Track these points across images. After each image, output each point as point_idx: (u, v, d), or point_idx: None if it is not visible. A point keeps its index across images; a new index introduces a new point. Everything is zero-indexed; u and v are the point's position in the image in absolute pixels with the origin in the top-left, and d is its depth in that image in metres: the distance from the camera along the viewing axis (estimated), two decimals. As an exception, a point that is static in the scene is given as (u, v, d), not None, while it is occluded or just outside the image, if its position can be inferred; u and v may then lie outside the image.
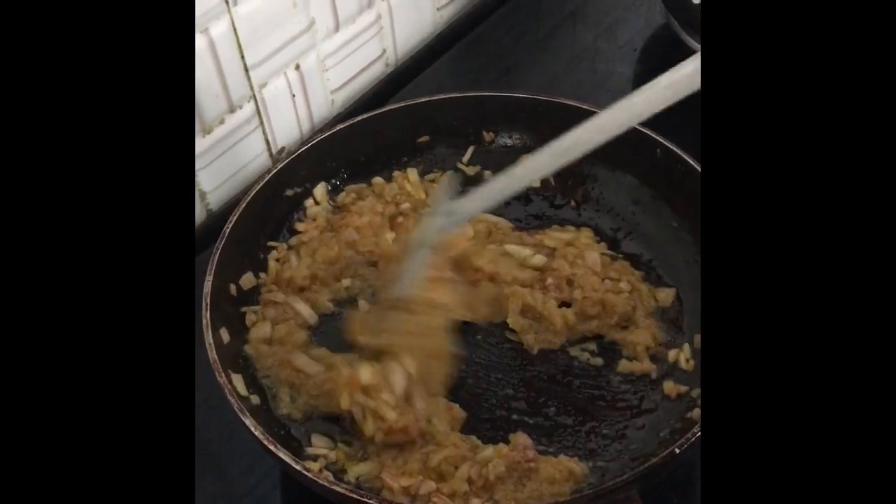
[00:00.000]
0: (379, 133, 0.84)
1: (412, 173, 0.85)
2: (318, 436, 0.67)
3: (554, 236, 0.79)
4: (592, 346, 0.73)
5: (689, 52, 0.96)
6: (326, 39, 0.94)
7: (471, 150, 0.87)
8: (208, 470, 0.71)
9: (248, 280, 0.76)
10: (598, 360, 0.72)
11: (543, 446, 0.66)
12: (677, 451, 0.59)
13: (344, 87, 1.00)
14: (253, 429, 0.61)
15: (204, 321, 0.67)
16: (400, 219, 0.81)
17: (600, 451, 0.66)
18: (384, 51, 1.04)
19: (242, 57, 0.85)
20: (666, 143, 0.77)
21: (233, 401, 0.63)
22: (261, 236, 0.79)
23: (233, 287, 0.74)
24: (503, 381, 0.71)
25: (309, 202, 0.83)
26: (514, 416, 0.69)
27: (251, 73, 0.87)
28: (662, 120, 0.69)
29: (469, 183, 0.85)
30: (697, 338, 0.71)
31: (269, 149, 0.94)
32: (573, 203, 0.84)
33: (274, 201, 0.80)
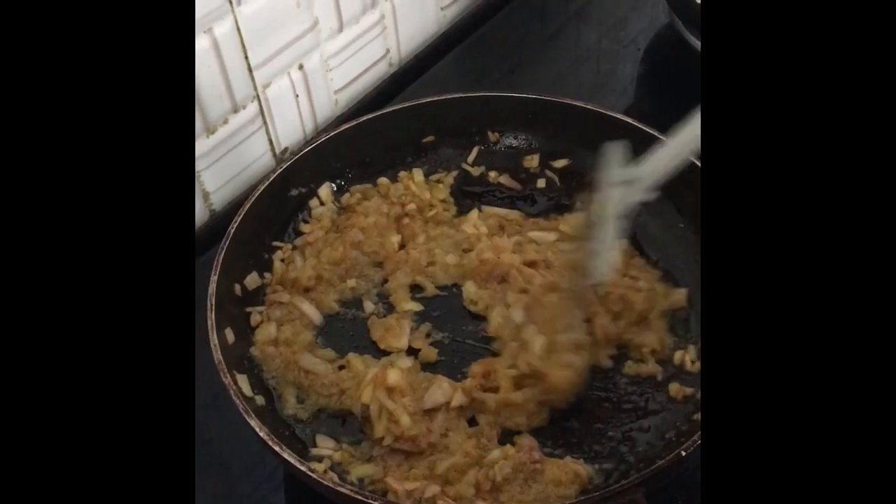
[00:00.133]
0: (384, 133, 0.84)
1: (417, 174, 0.85)
2: (322, 437, 0.67)
3: (570, 222, 0.80)
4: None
5: (693, 52, 0.96)
6: (330, 39, 0.94)
7: (476, 150, 0.87)
8: (212, 470, 0.71)
9: (252, 280, 0.75)
10: (607, 362, 0.71)
11: (549, 448, 0.66)
12: (683, 453, 0.58)
13: (347, 87, 1.00)
14: (258, 429, 0.61)
15: (209, 322, 0.67)
16: (406, 220, 0.81)
17: (606, 453, 0.65)
18: (388, 51, 1.04)
19: (246, 57, 0.85)
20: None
21: (238, 401, 0.63)
22: (265, 236, 0.79)
23: (237, 287, 0.74)
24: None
25: (314, 202, 0.82)
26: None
27: (255, 73, 0.87)
28: (668, 120, 0.69)
29: (474, 183, 0.86)
30: (704, 339, 0.71)
31: (272, 149, 0.94)
32: (579, 203, 0.83)
33: (279, 201, 0.80)
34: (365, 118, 0.83)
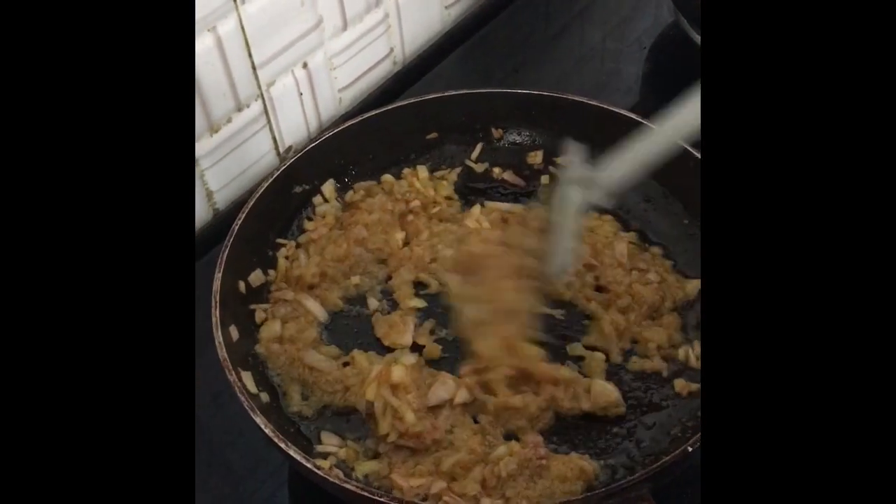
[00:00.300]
0: (387, 130, 0.84)
1: (422, 170, 0.85)
2: (327, 433, 0.67)
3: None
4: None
5: (698, 50, 0.96)
6: (334, 38, 0.94)
7: (479, 146, 0.87)
8: (215, 468, 0.71)
9: (256, 277, 0.75)
10: (618, 357, 0.71)
11: (554, 444, 0.65)
12: (690, 449, 0.58)
13: (351, 86, 1.00)
14: (263, 426, 0.61)
15: (213, 319, 0.67)
16: (410, 217, 0.80)
17: (611, 449, 0.65)
18: (392, 49, 1.04)
19: (250, 55, 0.85)
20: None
21: (242, 399, 0.62)
22: (269, 233, 0.79)
23: (242, 284, 0.74)
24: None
25: (317, 199, 0.82)
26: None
27: (259, 72, 0.87)
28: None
29: (477, 180, 0.85)
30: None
31: (276, 148, 0.94)
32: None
33: (283, 198, 0.80)
34: (368, 115, 0.83)
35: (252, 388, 0.66)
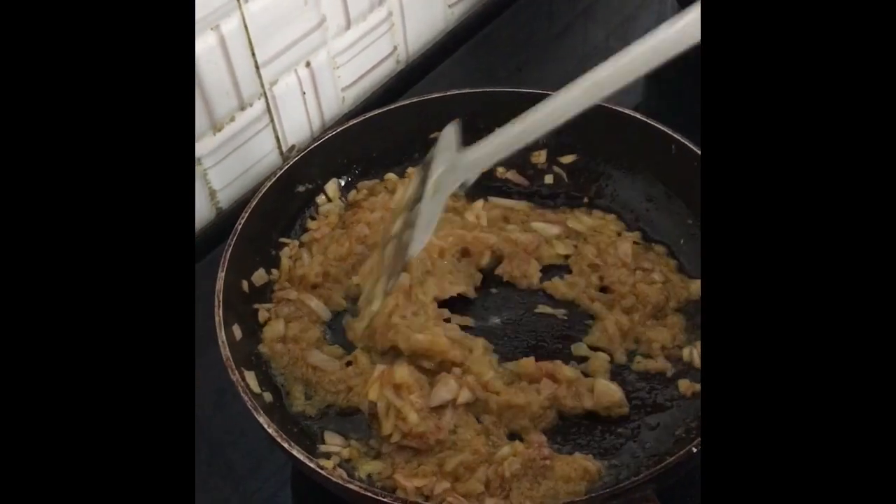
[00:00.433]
0: (391, 129, 0.84)
1: (425, 169, 0.85)
2: (331, 433, 0.67)
3: (580, 219, 0.79)
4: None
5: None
6: (337, 37, 0.94)
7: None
8: (218, 468, 0.71)
9: (259, 277, 0.75)
10: (622, 358, 0.71)
11: (558, 444, 0.65)
12: (694, 450, 0.58)
13: (355, 85, 1.00)
14: (266, 426, 0.61)
15: (216, 318, 0.66)
16: (413, 213, 0.80)
17: (615, 450, 0.65)
18: (395, 48, 1.04)
19: (253, 54, 0.85)
20: (681, 139, 0.76)
21: (246, 398, 0.62)
22: (272, 233, 0.79)
23: (245, 284, 0.74)
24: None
25: (321, 199, 0.82)
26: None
27: (262, 71, 0.87)
28: (677, 115, 0.69)
29: (481, 179, 0.85)
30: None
31: (279, 147, 0.94)
32: (586, 199, 0.83)
33: (286, 197, 0.80)
34: (372, 114, 0.83)
35: (255, 387, 0.66)
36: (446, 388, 0.66)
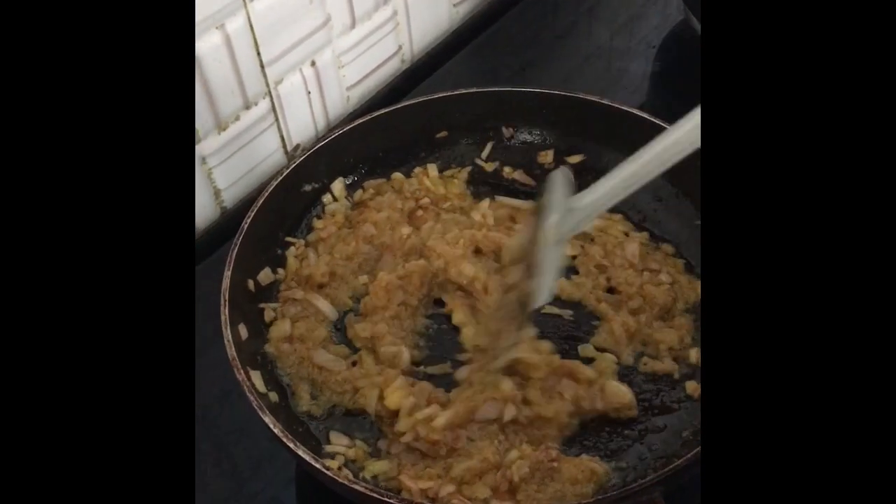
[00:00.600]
0: (397, 128, 0.84)
1: (432, 169, 0.84)
2: (336, 433, 0.67)
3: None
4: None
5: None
6: (342, 36, 0.94)
7: (489, 145, 0.86)
8: (223, 467, 0.71)
9: (266, 276, 0.75)
10: (628, 359, 0.70)
11: (565, 446, 0.65)
12: (702, 451, 0.58)
13: (359, 84, 1.00)
14: (272, 426, 0.61)
15: (222, 317, 0.66)
16: (419, 212, 0.80)
17: (622, 452, 0.65)
18: (400, 47, 1.03)
19: (258, 53, 0.85)
20: (688, 139, 0.76)
21: (251, 398, 0.62)
22: (278, 232, 0.78)
23: (251, 283, 0.73)
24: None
25: (327, 198, 0.82)
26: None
27: (267, 70, 0.86)
28: (682, 115, 0.68)
29: (488, 179, 0.85)
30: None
31: (283, 146, 0.94)
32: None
33: (292, 197, 0.79)
34: (378, 113, 0.83)
35: (261, 387, 0.66)
36: (494, 407, 0.64)
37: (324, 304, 0.74)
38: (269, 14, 0.83)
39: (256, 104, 0.87)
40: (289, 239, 0.79)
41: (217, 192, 0.89)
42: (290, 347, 0.71)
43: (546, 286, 0.61)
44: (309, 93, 0.93)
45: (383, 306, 0.72)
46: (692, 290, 0.74)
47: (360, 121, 0.82)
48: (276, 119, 0.91)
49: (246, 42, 0.83)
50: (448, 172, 0.85)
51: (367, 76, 1.00)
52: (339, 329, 0.74)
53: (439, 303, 0.75)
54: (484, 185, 0.85)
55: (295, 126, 0.93)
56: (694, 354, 0.70)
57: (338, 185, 0.82)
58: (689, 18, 1.01)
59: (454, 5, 1.09)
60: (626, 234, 0.78)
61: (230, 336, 0.65)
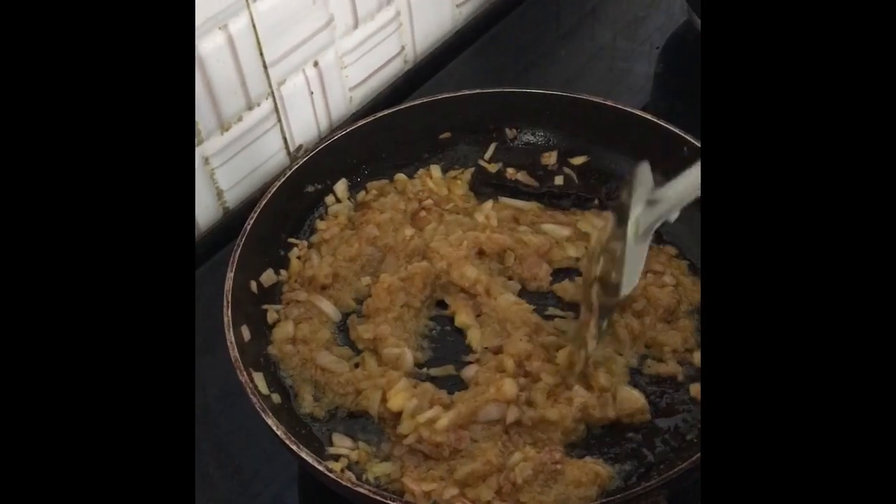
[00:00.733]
0: (400, 129, 0.83)
1: (435, 170, 0.84)
2: (339, 435, 0.66)
3: (591, 220, 0.79)
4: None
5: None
6: (345, 36, 0.94)
7: (493, 146, 0.86)
8: (224, 468, 0.71)
9: (268, 277, 0.75)
10: (633, 361, 0.70)
11: (569, 448, 0.65)
12: (707, 454, 0.57)
13: (362, 85, 0.99)
14: (275, 428, 0.60)
15: (225, 319, 0.66)
16: (422, 214, 0.80)
17: (626, 454, 0.65)
18: (403, 48, 1.03)
19: (261, 53, 0.84)
20: (692, 140, 0.76)
21: (254, 400, 0.62)
22: (281, 233, 0.78)
23: (254, 284, 0.73)
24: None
25: (330, 199, 0.82)
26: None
27: (270, 70, 0.86)
28: (689, 117, 0.68)
29: (491, 180, 0.85)
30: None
31: (286, 146, 0.93)
32: (597, 201, 0.83)
33: (295, 198, 0.79)
34: (381, 114, 0.83)
35: (264, 388, 0.66)
36: (497, 408, 0.64)
37: (327, 306, 0.74)
38: (272, 14, 0.83)
39: (259, 105, 0.87)
40: (291, 240, 0.78)
41: (220, 193, 0.88)
42: (293, 349, 0.70)
43: (633, 277, 0.62)
44: (312, 93, 0.93)
45: (386, 308, 0.72)
46: (696, 291, 0.73)
47: (363, 122, 0.82)
48: (279, 120, 0.91)
49: (249, 42, 0.82)
50: (451, 173, 0.85)
51: (369, 77, 1.00)
52: (343, 331, 0.74)
53: (442, 304, 0.75)
54: (487, 187, 0.84)
55: (297, 127, 0.93)
56: (698, 357, 0.70)
57: (341, 186, 0.82)
58: (692, 19, 1.01)
59: (457, 6, 1.09)
60: None
61: (233, 338, 0.65)
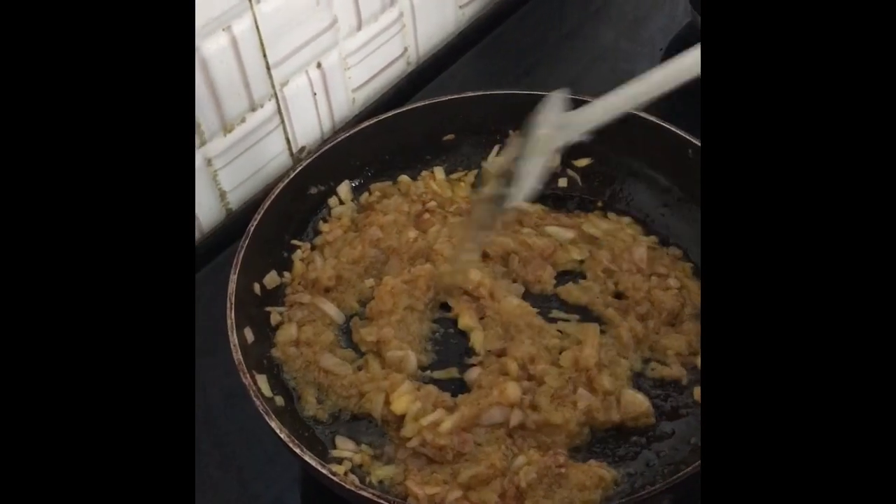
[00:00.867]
0: (404, 131, 0.83)
1: (439, 172, 0.84)
2: (342, 438, 0.66)
3: (595, 223, 0.79)
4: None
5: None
6: (349, 37, 0.93)
7: (496, 148, 0.86)
8: (226, 470, 0.71)
9: (272, 279, 0.75)
10: (638, 366, 0.70)
11: (573, 452, 0.65)
12: (711, 458, 0.57)
13: (365, 86, 0.99)
14: (278, 430, 0.60)
15: (229, 321, 0.66)
16: (426, 216, 0.80)
17: (630, 457, 0.64)
18: (406, 49, 1.03)
19: (264, 55, 0.84)
20: (696, 142, 0.76)
21: (258, 402, 0.62)
22: (284, 235, 0.78)
23: (257, 286, 0.73)
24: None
25: (333, 201, 0.82)
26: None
27: (273, 72, 0.86)
28: (692, 118, 0.68)
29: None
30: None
31: (289, 148, 0.93)
32: (600, 203, 0.82)
33: (298, 199, 0.79)
34: (385, 116, 0.82)
35: (267, 391, 0.66)
36: (500, 412, 0.64)
37: (330, 308, 0.73)
38: (276, 16, 0.83)
39: (262, 106, 0.87)
40: (295, 242, 0.78)
41: (223, 194, 0.88)
42: (296, 351, 0.70)
43: (524, 188, 0.64)
44: (315, 94, 0.93)
45: (389, 310, 0.72)
46: (699, 294, 0.73)
47: (367, 123, 0.82)
48: (282, 121, 0.90)
49: (252, 44, 0.82)
50: (455, 175, 0.85)
51: (372, 78, 1.00)
52: (346, 333, 0.74)
53: (446, 307, 0.75)
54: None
55: (301, 128, 0.93)
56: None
57: (344, 188, 0.82)
58: (695, 20, 1.01)
59: (460, 7, 1.09)
60: (634, 239, 0.77)
61: (236, 340, 0.65)
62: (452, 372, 0.71)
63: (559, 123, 0.64)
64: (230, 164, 0.87)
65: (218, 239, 0.87)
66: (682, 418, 0.67)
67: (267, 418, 0.61)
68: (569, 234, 0.78)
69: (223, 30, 0.79)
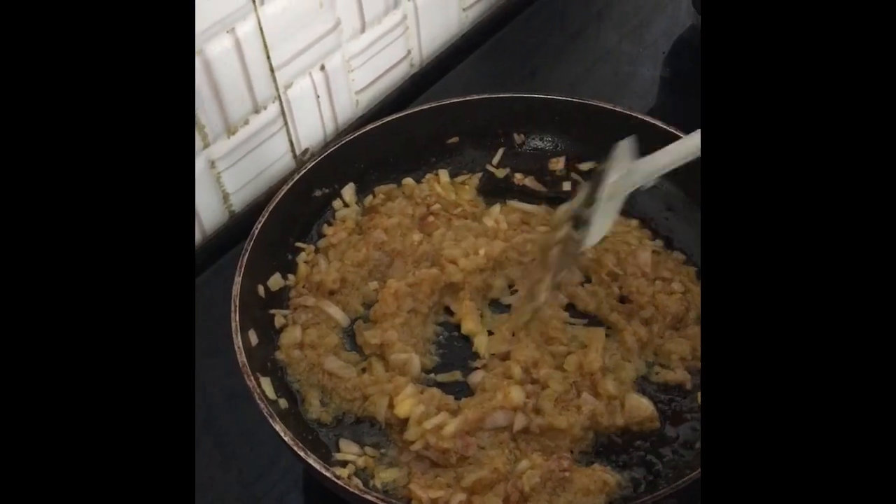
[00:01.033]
0: (408, 133, 0.83)
1: (443, 175, 0.84)
2: (346, 441, 0.66)
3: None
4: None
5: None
6: (352, 40, 0.93)
7: (500, 151, 0.86)
8: (228, 471, 0.71)
9: (276, 282, 0.75)
10: (643, 370, 0.70)
11: (577, 456, 0.64)
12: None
13: (368, 88, 0.99)
14: (282, 433, 0.60)
15: (233, 323, 0.66)
16: (430, 218, 0.79)
17: (634, 462, 0.64)
18: (409, 51, 1.03)
19: (268, 57, 0.84)
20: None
21: (262, 405, 0.62)
22: (289, 237, 0.78)
23: (261, 289, 0.73)
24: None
25: (337, 203, 0.82)
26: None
27: (276, 74, 0.86)
28: (695, 121, 0.68)
29: (499, 185, 0.85)
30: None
31: (292, 150, 0.93)
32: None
33: (302, 201, 0.79)
34: (390, 118, 0.82)
35: (271, 394, 0.66)
36: (504, 415, 0.64)
37: (335, 311, 0.73)
38: (280, 18, 0.83)
39: (266, 108, 0.87)
40: (299, 244, 0.78)
41: (226, 196, 0.88)
42: (300, 354, 0.70)
43: (597, 232, 0.66)
44: (318, 97, 0.93)
45: (393, 313, 0.72)
46: None
47: (371, 126, 0.82)
48: (286, 123, 0.90)
49: (256, 46, 0.82)
50: (459, 178, 0.85)
51: (376, 80, 1.00)
52: (350, 336, 0.74)
53: (450, 310, 0.75)
54: (495, 192, 0.84)
55: (304, 130, 0.93)
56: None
57: (348, 191, 0.82)
58: (698, 23, 1.01)
59: (463, 10, 1.09)
60: (640, 242, 0.77)
61: (240, 342, 0.65)
62: (456, 375, 0.71)
63: (629, 171, 0.65)
64: (233, 166, 0.87)
65: (221, 241, 0.87)
66: (687, 423, 0.66)
67: (271, 421, 0.61)
68: None
69: (227, 32, 0.79)
